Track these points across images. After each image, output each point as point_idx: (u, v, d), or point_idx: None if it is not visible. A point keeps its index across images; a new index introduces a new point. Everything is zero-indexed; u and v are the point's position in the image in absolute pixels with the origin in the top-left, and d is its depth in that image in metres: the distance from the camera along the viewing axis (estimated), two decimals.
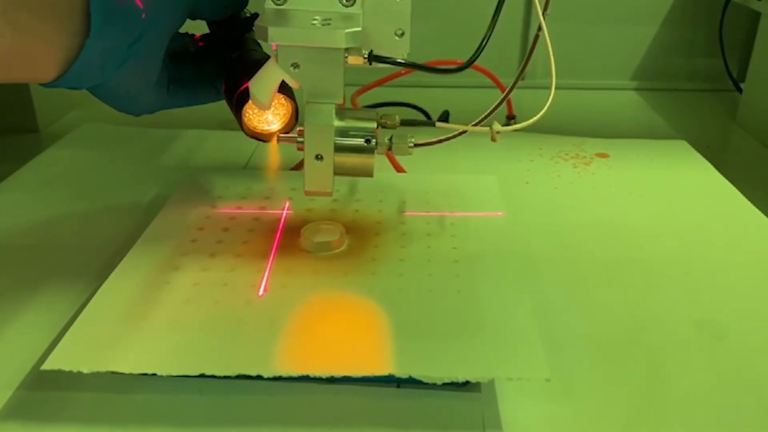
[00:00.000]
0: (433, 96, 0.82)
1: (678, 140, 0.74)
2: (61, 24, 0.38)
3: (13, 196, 0.61)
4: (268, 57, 0.51)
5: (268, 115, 0.51)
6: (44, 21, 0.37)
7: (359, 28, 0.40)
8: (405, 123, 0.46)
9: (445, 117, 0.80)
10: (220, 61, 0.51)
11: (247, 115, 0.49)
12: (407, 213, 0.53)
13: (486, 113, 0.48)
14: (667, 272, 0.51)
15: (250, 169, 0.66)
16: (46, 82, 0.40)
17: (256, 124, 0.50)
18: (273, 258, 0.47)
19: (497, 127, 0.45)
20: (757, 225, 0.57)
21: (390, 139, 0.46)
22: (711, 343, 0.43)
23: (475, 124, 0.48)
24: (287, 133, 0.51)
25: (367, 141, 0.44)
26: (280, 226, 0.50)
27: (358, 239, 0.49)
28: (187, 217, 0.52)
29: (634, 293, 0.48)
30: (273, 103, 0.50)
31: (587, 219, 0.58)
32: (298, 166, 0.63)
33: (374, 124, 0.44)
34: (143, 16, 0.41)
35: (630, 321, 0.46)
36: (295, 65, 0.41)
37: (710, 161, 0.68)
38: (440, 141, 0.51)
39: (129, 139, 0.73)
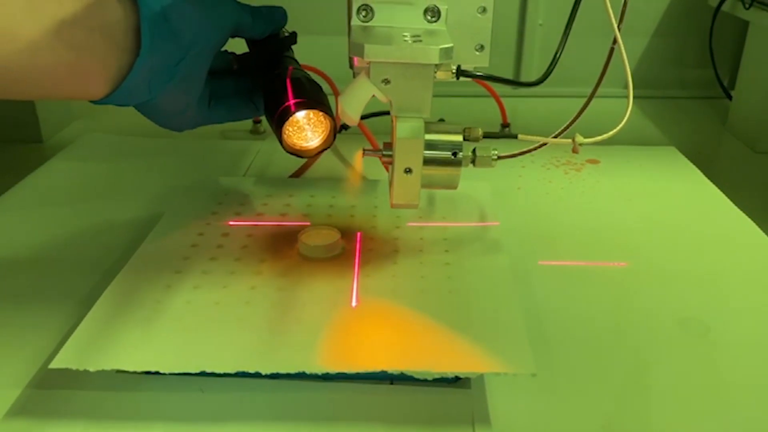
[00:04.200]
0: None
1: (667, 147, 0.76)
2: (113, 42, 0.40)
3: (18, 205, 0.63)
4: (308, 75, 0.52)
5: (307, 133, 0.52)
6: (97, 39, 0.39)
7: (451, 44, 0.40)
8: (487, 136, 0.47)
9: None
10: (260, 78, 0.53)
11: (287, 132, 0.51)
12: (402, 223, 0.54)
13: (566, 125, 0.49)
14: (655, 275, 0.52)
15: (250, 177, 0.67)
16: (96, 99, 0.42)
17: (295, 140, 0.52)
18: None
19: (579, 138, 0.45)
20: (743, 228, 0.59)
21: (473, 152, 0.47)
22: (694, 341, 0.45)
23: (555, 136, 0.48)
24: (325, 149, 0.52)
25: (454, 154, 0.44)
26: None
27: (354, 244, 0.51)
28: (189, 223, 0.53)
29: (621, 294, 0.50)
30: (312, 121, 0.52)
31: (578, 224, 0.59)
32: (296, 174, 0.65)
33: (461, 137, 0.45)
34: (179, 34, 0.43)
35: (616, 320, 0.47)
36: (386, 81, 0.41)
37: (700, 167, 0.70)
38: (522, 153, 0.52)
39: (131, 149, 0.74)
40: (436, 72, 0.42)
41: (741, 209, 0.61)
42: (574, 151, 0.46)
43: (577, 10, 0.45)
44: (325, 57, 0.69)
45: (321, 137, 0.52)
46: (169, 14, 0.42)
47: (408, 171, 0.43)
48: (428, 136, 0.43)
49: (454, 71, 0.43)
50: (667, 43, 0.99)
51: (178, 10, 0.43)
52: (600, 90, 0.47)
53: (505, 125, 0.81)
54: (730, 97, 0.93)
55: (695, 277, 0.52)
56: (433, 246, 0.51)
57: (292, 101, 0.49)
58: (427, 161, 0.44)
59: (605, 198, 0.64)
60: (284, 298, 0.44)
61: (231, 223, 0.54)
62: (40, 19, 0.37)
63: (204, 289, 0.45)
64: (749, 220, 0.59)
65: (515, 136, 0.47)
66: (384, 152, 0.45)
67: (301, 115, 0.50)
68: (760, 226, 0.58)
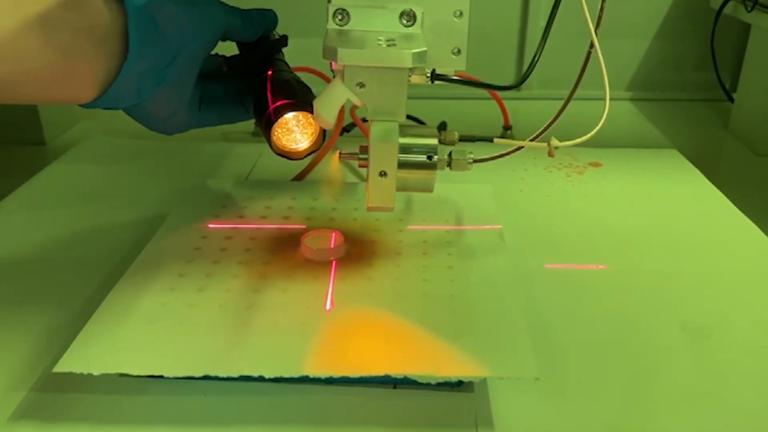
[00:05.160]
0: (430, 107, 0.83)
1: (669, 149, 0.76)
2: (101, 46, 0.40)
3: (21, 208, 0.63)
4: (297, 77, 0.52)
5: (296, 134, 0.52)
6: (85, 43, 0.39)
7: (425, 48, 0.40)
8: (463, 139, 0.47)
9: (442, 127, 0.82)
10: (250, 81, 0.53)
11: (276, 134, 0.51)
12: (404, 226, 0.54)
13: (542, 128, 0.49)
14: (656, 277, 0.52)
15: (252, 181, 0.67)
16: (84, 103, 0.42)
17: (284, 142, 0.52)
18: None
19: (555, 142, 0.46)
20: (745, 231, 0.59)
21: (449, 155, 0.47)
22: (696, 344, 0.45)
23: (532, 139, 0.48)
24: (314, 151, 0.52)
25: (429, 157, 0.45)
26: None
27: (357, 246, 0.51)
28: (191, 226, 0.53)
29: (624, 297, 0.50)
30: (301, 123, 0.52)
31: (580, 226, 0.59)
32: (299, 177, 0.65)
33: (436, 141, 0.45)
34: (167, 37, 0.43)
35: (619, 324, 0.47)
36: (361, 84, 0.41)
37: (702, 169, 0.70)
38: (498, 156, 0.52)
39: (134, 152, 0.75)
40: (410, 76, 0.42)
41: (743, 212, 0.61)
42: (550, 154, 0.46)
43: (555, 14, 0.45)
44: (322, 59, 0.69)
45: (310, 139, 0.52)
46: (157, 17, 0.42)
47: (383, 174, 0.44)
48: (403, 140, 0.44)
49: (428, 75, 0.43)
50: (669, 46, 0.99)
51: (166, 13, 0.43)
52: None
53: (507, 128, 0.81)
54: (731, 100, 0.93)
55: (697, 279, 0.52)
56: (436, 249, 0.51)
57: (279, 103, 0.49)
58: (402, 164, 0.44)
59: (607, 201, 0.64)
60: (288, 302, 0.44)
61: (234, 219, 0.54)
62: (26, 22, 0.37)
63: (207, 292, 0.45)
64: (751, 223, 0.60)
65: (491, 140, 0.47)
66: (360, 155, 0.45)
67: (289, 116, 0.50)
68: (762, 229, 0.58)
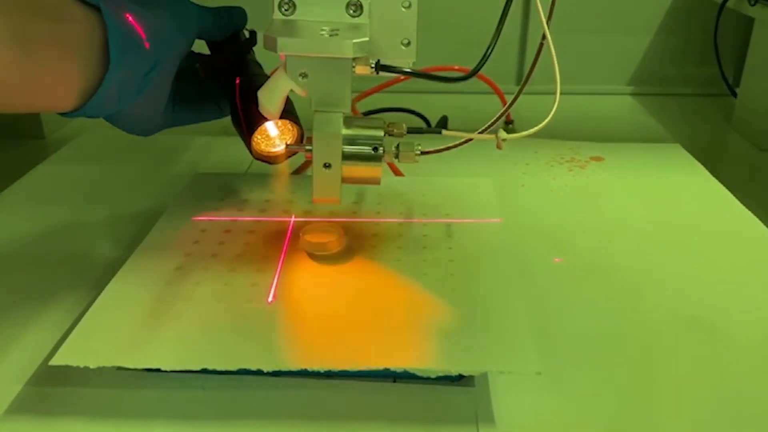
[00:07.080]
0: (431, 102, 0.83)
1: (672, 144, 0.75)
2: (81, 57, 0.39)
3: (19, 201, 0.63)
4: None
5: (275, 140, 0.52)
6: (65, 54, 0.39)
7: (366, 38, 0.40)
8: (411, 131, 0.46)
9: (443, 123, 0.81)
10: (223, 81, 0.52)
11: (255, 139, 0.51)
12: (405, 220, 0.54)
13: (491, 121, 0.48)
14: (660, 273, 0.52)
15: (251, 174, 0.67)
16: (65, 112, 0.42)
17: (263, 148, 0.52)
18: (281, 266, 0.47)
19: (503, 134, 0.45)
20: (748, 226, 0.58)
21: (397, 147, 0.46)
22: (701, 340, 0.45)
23: (481, 132, 0.48)
24: (293, 154, 0.52)
25: (375, 149, 0.44)
26: (288, 233, 0.51)
27: (356, 240, 0.51)
28: (190, 219, 0.53)
29: (627, 292, 0.49)
30: (280, 128, 0.51)
31: (582, 221, 0.59)
32: (299, 170, 0.65)
33: (381, 132, 0.45)
34: (146, 45, 0.42)
35: (622, 319, 0.47)
36: (304, 75, 0.41)
37: (705, 164, 0.70)
38: (447, 149, 0.51)
39: (133, 146, 0.74)
40: (354, 66, 0.42)
41: (746, 206, 0.61)
42: (498, 147, 0.46)
43: (509, 8, 0.45)
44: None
45: (289, 143, 0.51)
46: (136, 28, 0.41)
47: (327, 166, 0.43)
48: (348, 131, 0.44)
49: (373, 66, 0.42)
50: (672, 40, 0.99)
51: (146, 23, 0.42)
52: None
53: (508, 122, 0.80)
54: (735, 95, 0.92)
55: (700, 274, 0.52)
56: (436, 243, 0.50)
57: (255, 112, 0.48)
58: (347, 156, 0.44)
59: (609, 195, 0.64)
60: (286, 296, 0.44)
61: (233, 213, 0.53)
62: (7, 35, 0.36)
63: (206, 285, 0.45)
64: (754, 218, 0.59)
65: (440, 132, 0.47)
66: (306, 147, 0.45)
67: (269, 124, 0.50)
68: (765, 223, 0.58)
